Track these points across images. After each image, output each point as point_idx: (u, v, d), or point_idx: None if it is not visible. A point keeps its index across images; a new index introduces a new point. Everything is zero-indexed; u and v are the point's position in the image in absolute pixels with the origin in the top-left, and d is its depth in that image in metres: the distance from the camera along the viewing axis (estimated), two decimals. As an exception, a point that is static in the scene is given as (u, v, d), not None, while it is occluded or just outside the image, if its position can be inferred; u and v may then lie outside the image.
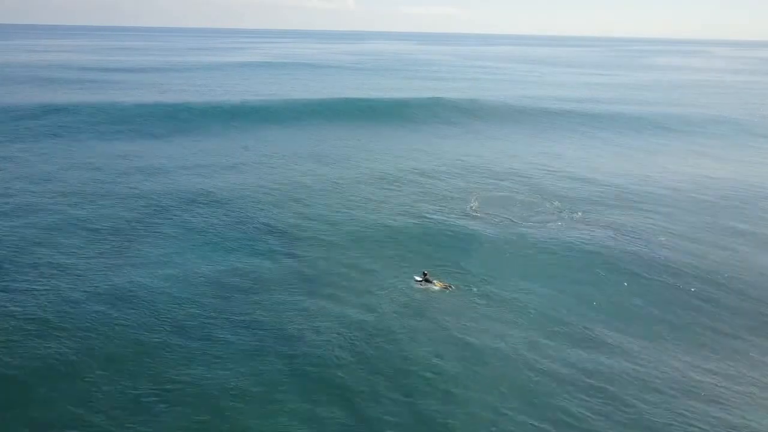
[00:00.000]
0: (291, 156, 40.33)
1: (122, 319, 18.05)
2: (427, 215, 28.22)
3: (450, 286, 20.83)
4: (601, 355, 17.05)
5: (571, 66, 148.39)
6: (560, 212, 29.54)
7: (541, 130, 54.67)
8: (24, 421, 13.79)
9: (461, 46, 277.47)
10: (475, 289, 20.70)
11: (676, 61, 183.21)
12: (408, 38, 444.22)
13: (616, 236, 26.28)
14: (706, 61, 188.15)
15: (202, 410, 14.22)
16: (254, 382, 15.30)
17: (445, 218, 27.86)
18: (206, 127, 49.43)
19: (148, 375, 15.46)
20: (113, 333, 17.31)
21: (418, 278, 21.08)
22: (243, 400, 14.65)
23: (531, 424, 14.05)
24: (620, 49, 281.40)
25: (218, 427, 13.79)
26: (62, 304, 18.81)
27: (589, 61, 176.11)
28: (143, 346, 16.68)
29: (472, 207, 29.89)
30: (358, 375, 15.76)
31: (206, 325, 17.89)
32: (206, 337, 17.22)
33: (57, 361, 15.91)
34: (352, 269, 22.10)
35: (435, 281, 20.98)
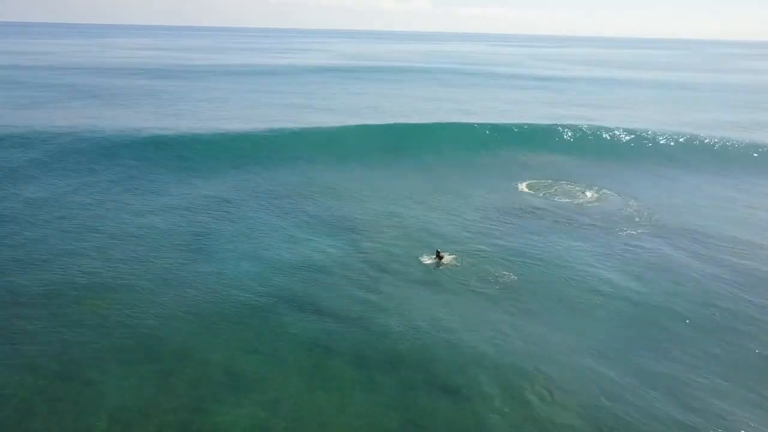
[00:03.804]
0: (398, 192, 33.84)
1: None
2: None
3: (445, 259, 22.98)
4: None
5: (671, 70, 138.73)
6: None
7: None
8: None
9: (530, 48, 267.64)
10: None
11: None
12: (468, 39, 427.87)
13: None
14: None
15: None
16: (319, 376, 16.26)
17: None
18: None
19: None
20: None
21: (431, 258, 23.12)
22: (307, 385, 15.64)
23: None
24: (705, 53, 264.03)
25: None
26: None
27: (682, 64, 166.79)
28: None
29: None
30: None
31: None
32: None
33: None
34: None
35: (445, 255, 23.12)
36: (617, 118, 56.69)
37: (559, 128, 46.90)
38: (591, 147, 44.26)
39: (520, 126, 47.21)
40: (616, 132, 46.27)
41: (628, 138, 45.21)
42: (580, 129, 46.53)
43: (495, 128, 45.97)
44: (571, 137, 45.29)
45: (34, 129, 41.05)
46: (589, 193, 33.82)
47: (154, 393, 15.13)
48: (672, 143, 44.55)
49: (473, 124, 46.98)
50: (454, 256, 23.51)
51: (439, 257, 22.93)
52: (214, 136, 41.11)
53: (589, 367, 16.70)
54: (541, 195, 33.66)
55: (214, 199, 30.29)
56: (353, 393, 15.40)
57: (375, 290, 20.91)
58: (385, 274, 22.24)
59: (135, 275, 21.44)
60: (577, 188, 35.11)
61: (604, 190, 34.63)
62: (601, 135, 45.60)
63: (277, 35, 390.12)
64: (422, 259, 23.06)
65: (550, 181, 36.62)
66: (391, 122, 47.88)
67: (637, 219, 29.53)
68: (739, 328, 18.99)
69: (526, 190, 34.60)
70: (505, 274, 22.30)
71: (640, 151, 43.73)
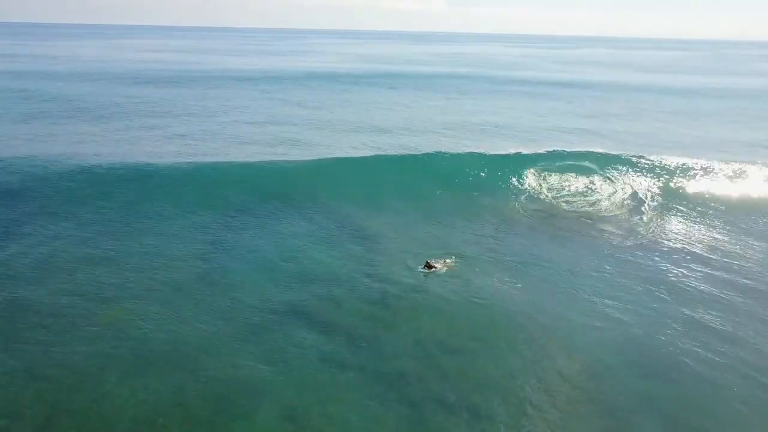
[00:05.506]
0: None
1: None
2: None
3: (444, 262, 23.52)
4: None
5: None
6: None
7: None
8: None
9: (551, 50, 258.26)
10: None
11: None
12: (485, 40, 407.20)
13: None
14: None
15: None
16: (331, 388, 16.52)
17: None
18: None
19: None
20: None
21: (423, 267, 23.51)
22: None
23: None
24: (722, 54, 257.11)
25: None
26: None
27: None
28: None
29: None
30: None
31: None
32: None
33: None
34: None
35: (437, 264, 23.50)
36: (649, 136, 51.92)
37: (580, 150, 41.69)
38: (616, 169, 38.08)
39: (538, 153, 40.85)
40: (643, 155, 40.29)
41: (656, 161, 38.68)
42: (602, 153, 40.78)
43: (508, 156, 40.14)
44: (591, 159, 39.61)
45: (36, 154, 36.34)
46: (604, 206, 33.22)
47: (168, 406, 15.43)
48: (706, 169, 37.73)
49: (481, 153, 40.48)
50: (451, 261, 23.93)
51: (429, 267, 23.39)
52: (231, 164, 37.02)
53: (598, 389, 16.65)
54: (551, 207, 33.17)
55: (220, 223, 29.17)
56: (365, 408, 15.57)
57: (380, 304, 21.08)
58: (389, 286, 22.35)
59: (147, 289, 21.71)
60: (593, 203, 33.78)
61: (623, 209, 32.64)
62: (627, 158, 39.57)
63: (288, 36, 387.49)
64: (424, 270, 23.43)
65: (564, 198, 34.61)
66: (409, 153, 41.30)
67: (653, 237, 28.75)
68: None
69: (537, 205, 33.28)
70: (507, 283, 22.46)
71: (670, 174, 37.23)
